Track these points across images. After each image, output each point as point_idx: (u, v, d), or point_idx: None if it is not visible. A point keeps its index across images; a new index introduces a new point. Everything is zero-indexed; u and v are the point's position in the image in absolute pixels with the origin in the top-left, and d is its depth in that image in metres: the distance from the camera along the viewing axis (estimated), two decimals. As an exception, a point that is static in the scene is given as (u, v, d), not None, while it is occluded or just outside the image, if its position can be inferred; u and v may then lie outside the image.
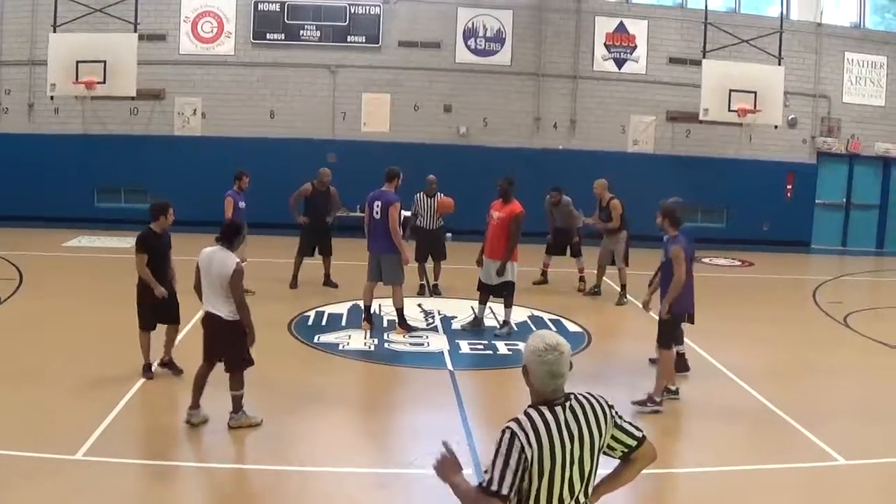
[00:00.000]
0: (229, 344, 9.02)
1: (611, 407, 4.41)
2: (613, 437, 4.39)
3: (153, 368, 10.65)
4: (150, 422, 9.51)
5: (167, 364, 10.80)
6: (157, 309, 10.57)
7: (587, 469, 4.29)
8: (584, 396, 4.38)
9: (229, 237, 9.12)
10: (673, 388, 10.67)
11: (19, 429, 8.82)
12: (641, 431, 4.46)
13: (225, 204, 15.09)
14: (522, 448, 4.14)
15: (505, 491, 4.10)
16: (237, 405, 9.05)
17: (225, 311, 8.91)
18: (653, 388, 10.31)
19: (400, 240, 13.16)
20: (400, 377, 11.86)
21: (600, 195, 16.41)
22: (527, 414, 4.26)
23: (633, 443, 4.42)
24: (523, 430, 4.19)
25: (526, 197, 17.95)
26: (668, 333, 10.37)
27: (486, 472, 4.21)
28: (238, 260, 9.02)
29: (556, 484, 4.23)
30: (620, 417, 4.43)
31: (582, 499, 4.33)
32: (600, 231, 16.54)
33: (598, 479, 4.50)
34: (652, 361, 11.74)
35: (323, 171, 16.59)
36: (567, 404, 4.30)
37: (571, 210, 17.27)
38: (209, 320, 9.05)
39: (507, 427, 4.21)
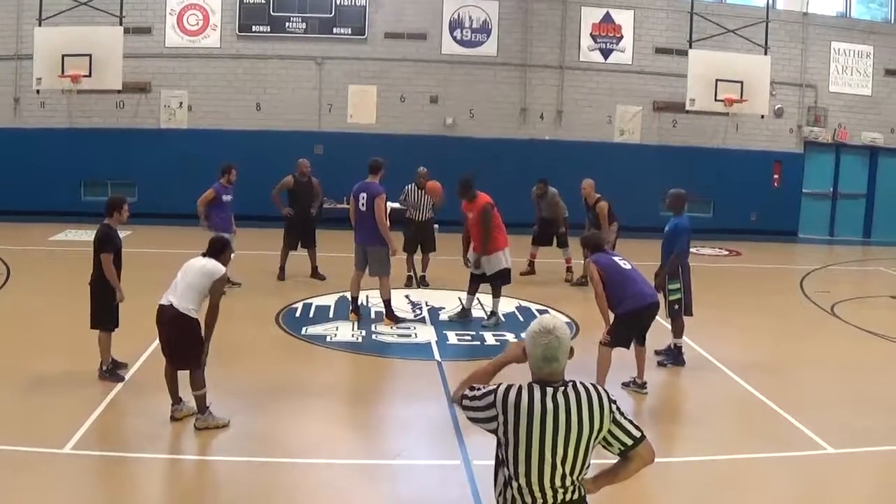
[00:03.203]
0: (184, 339, 8.84)
1: (612, 402, 4.40)
2: (610, 433, 4.38)
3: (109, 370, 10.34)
4: (136, 416, 9.46)
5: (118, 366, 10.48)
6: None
7: (572, 455, 4.31)
8: (585, 387, 4.39)
9: (213, 251, 9.13)
10: (640, 381, 10.65)
11: (8, 423, 8.80)
12: (641, 431, 4.44)
13: (205, 193, 15.05)
14: (493, 404, 4.36)
15: (466, 402, 4.54)
16: (201, 405, 8.90)
17: (187, 305, 8.76)
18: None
19: (387, 231, 13.13)
20: (388, 369, 11.87)
21: (588, 195, 16.30)
22: (519, 386, 4.35)
23: (630, 441, 4.41)
24: (505, 396, 4.33)
25: (512, 187, 18.04)
26: (616, 333, 10.27)
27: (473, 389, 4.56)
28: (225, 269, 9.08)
29: (535, 460, 4.28)
30: (622, 414, 4.41)
31: (568, 483, 4.34)
32: (589, 223, 16.38)
33: (598, 470, 4.55)
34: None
35: (301, 162, 16.50)
36: (562, 389, 4.32)
37: (558, 201, 17.28)
38: (165, 315, 8.86)
39: (500, 384, 4.40)
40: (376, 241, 13.11)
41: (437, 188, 15.28)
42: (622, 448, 4.42)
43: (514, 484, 4.35)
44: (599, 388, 4.43)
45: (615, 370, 10.20)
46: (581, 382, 4.40)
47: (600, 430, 4.34)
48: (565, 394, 4.32)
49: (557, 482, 4.32)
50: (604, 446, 4.43)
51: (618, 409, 4.41)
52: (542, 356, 4.33)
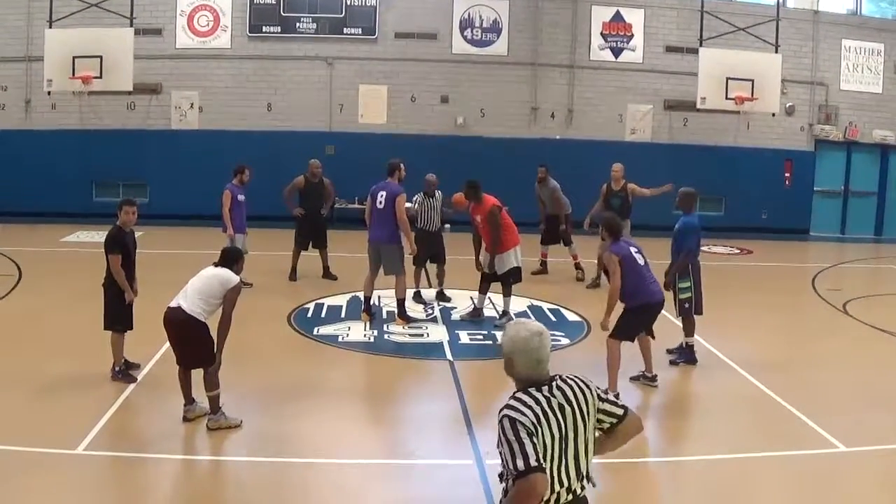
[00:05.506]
0: (193, 340, 8.87)
1: (591, 382, 4.51)
2: (601, 411, 4.48)
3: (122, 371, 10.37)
4: (148, 417, 9.51)
5: (131, 367, 10.54)
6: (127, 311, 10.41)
7: (583, 447, 4.36)
8: (569, 377, 4.46)
9: (227, 261, 9.15)
10: (650, 374, 10.65)
11: (21, 424, 8.84)
12: (623, 407, 4.61)
13: (223, 198, 15.12)
14: (525, 426, 4.17)
15: (534, 462, 4.11)
16: (214, 406, 8.92)
17: (195, 308, 8.78)
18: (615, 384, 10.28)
19: (407, 228, 13.25)
20: (400, 368, 11.86)
21: (616, 179, 16.38)
22: (517, 398, 4.32)
23: (615, 419, 4.53)
24: (520, 411, 4.24)
25: (523, 186, 17.95)
26: (624, 326, 10.29)
27: (503, 467, 4.27)
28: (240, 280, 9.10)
29: (555, 462, 4.27)
30: (602, 391, 4.56)
31: (582, 477, 4.39)
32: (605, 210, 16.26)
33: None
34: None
35: (313, 162, 16.52)
36: (554, 384, 4.36)
37: (559, 196, 17.14)
38: (172, 317, 8.89)
39: (504, 416, 4.25)
40: (391, 238, 13.17)
41: (463, 202, 14.62)
42: (613, 422, 4.54)
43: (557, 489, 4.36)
44: (578, 376, 4.50)
45: (622, 365, 10.21)
46: (562, 375, 4.45)
47: (594, 412, 4.44)
48: (559, 388, 4.37)
49: (582, 472, 4.38)
50: (597, 426, 4.52)
51: (598, 388, 4.54)
52: (538, 360, 4.37)
